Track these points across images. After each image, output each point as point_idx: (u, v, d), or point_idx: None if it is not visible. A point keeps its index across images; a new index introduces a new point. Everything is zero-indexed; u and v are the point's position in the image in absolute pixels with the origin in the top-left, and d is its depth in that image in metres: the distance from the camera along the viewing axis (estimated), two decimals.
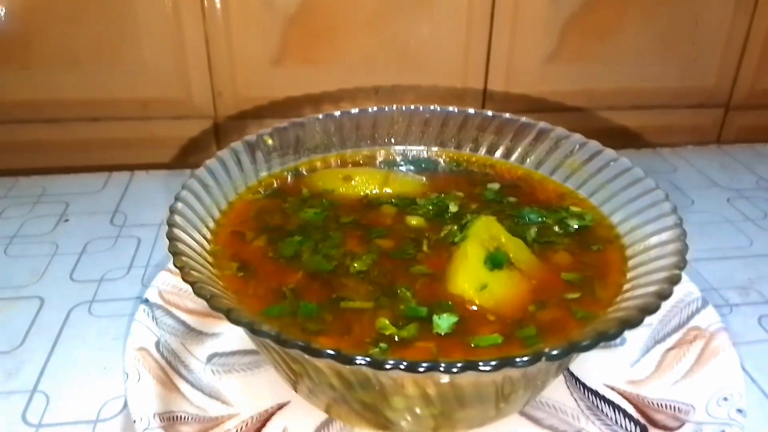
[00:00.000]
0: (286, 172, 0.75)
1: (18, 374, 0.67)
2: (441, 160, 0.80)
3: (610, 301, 0.55)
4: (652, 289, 0.51)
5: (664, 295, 0.49)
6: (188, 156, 1.09)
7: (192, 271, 0.51)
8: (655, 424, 0.59)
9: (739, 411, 0.56)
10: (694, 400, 0.59)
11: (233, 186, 0.69)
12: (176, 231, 0.56)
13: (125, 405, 0.62)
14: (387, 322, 0.51)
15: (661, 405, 0.60)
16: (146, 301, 0.67)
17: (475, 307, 0.54)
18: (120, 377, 0.66)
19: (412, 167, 0.78)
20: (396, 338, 0.50)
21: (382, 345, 0.50)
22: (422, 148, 0.81)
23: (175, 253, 0.53)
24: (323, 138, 0.79)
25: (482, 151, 0.80)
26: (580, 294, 0.56)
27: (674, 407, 0.60)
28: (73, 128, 1.05)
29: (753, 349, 0.72)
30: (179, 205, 0.60)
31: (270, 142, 0.75)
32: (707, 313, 0.66)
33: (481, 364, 0.42)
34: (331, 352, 0.43)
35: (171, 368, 0.63)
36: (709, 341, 0.63)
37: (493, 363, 0.42)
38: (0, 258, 0.86)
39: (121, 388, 0.65)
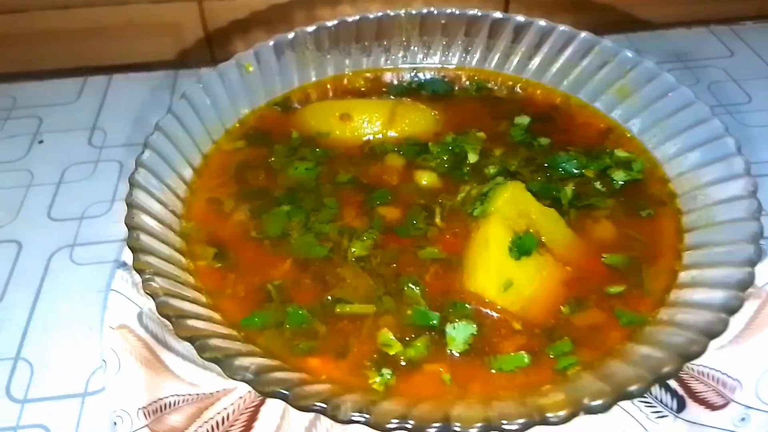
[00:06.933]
0: (273, 106, 0.63)
1: None
2: (459, 83, 0.66)
3: (661, 296, 0.45)
4: (715, 298, 0.41)
5: (733, 309, 0.40)
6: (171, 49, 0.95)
7: (155, 279, 0.43)
8: (695, 397, 0.52)
9: None
10: (741, 375, 0.51)
11: (208, 131, 0.58)
12: (137, 216, 0.47)
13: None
14: (390, 336, 0.43)
15: (703, 374, 0.52)
16: (124, 264, 0.59)
17: (496, 313, 0.45)
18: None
19: (423, 92, 0.64)
20: (402, 360, 0.42)
21: (386, 373, 0.41)
22: (437, 63, 0.67)
23: (135, 250, 0.44)
24: (315, 56, 0.65)
25: (510, 66, 0.65)
26: (624, 287, 0.46)
27: (717, 379, 0.52)
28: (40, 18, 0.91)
29: None
30: (141, 174, 0.50)
31: (251, 69, 0.62)
32: (765, 268, 0.56)
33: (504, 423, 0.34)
34: (322, 405, 0.36)
35: (157, 341, 0.56)
36: (766, 303, 0.54)
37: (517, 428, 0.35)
38: None
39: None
